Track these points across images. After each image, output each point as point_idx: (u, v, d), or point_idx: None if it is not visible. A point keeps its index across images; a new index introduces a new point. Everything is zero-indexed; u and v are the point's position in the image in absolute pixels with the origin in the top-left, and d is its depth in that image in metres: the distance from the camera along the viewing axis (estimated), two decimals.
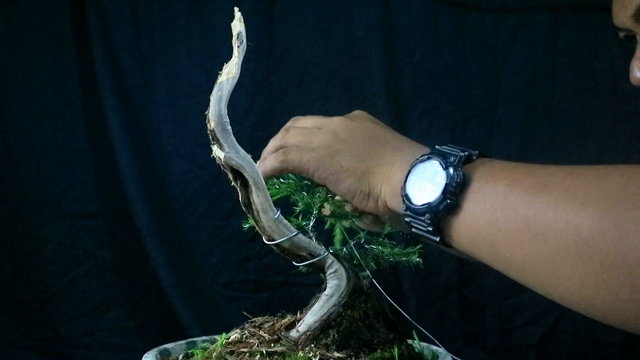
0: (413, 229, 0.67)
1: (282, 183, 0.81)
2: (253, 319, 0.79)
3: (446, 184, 0.63)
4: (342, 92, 1.76)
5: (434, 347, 0.81)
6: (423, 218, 0.64)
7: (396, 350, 0.73)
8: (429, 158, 0.66)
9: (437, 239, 0.65)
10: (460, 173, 0.63)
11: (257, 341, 0.74)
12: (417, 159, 0.67)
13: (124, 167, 1.75)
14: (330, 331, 0.73)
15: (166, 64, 1.77)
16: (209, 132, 0.70)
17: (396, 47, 1.76)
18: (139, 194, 1.75)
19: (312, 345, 0.72)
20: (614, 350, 1.74)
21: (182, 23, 1.77)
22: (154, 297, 1.78)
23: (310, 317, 0.74)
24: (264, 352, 0.71)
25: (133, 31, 1.76)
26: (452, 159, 0.64)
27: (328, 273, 0.75)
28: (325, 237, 0.80)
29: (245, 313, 0.81)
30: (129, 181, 1.76)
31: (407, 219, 0.66)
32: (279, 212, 0.74)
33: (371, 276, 0.79)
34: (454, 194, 0.62)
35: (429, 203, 0.63)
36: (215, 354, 0.73)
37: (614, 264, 0.52)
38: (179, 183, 1.78)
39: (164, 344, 0.81)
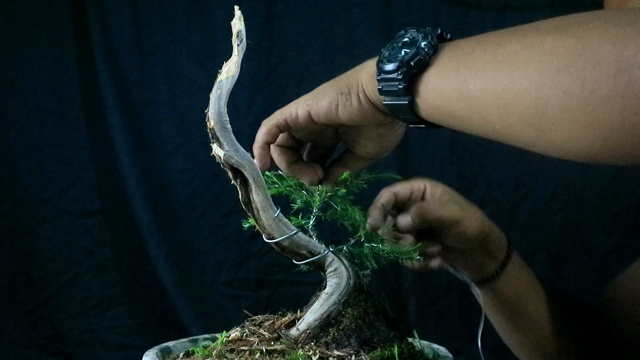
0: (384, 100, 0.69)
1: (281, 181, 0.81)
2: (253, 317, 0.79)
3: (419, 42, 0.66)
4: None
5: (435, 346, 0.81)
6: (395, 75, 0.66)
7: (396, 348, 0.73)
8: (405, 31, 0.69)
9: (407, 101, 0.67)
10: (435, 39, 0.66)
11: (257, 339, 0.74)
12: (395, 36, 0.70)
13: (124, 166, 1.75)
14: (330, 329, 0.73)
15: (166, 63, 1.77)
16: (208, 130, 0.70)
17: None
18: (140, 193, 1.76)
19: (312, 343, 0.72)
20: None
21: (182, 21, 1.77)
22: (154, 295, 1.78)
23: (310, 316, 0.74)
24: (264, 350, 0.71)
25: (133, 30, 1.76)
26: (427, 29, 0.68)
27: (328, 271, 0.75)
28: (326, 236, 0.80)
29: (245, 311, 0.81)
30: (129, 179, 1.76)
31: (379, 86, 0.68)
32: (278, 211, 0.74)
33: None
34: (426, 53, 0.65)
35: (401, 57, 0.66)
36: (215, 352, 0.73)
37: (570, 64, 0.54)
38: (179, 181, 1.78)
39: (165, 342, 0.81)
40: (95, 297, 1.79)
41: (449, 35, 0.68)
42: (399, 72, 0.66)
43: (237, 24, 0.69)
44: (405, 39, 0.68)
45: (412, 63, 0.65)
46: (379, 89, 0.68)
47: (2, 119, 1.76)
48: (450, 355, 0.78)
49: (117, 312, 1.80)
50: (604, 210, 1.74)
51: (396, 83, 0.66)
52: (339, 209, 0.81)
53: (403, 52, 0.66)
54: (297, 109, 0.76)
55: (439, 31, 0.68)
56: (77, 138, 1.78)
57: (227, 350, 0.73)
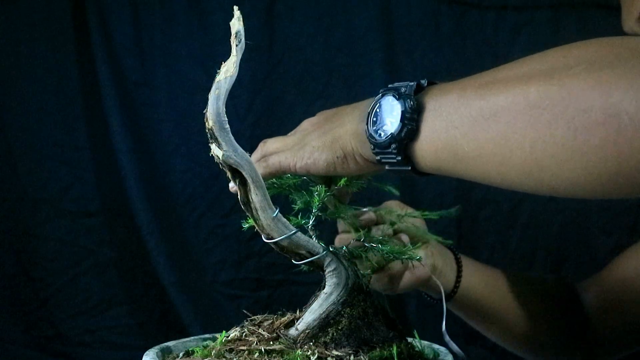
0: (386, 167, 0.70)
1: (281, 180, 0.81)
2: (253, 317, 0.79)
3: (402, 112, 0.66)
4: (343, 91, 1.76)
5: (435, 346, 0.81)
6: (390, 150, 0.67)
7: (395, 348, 0.73)
8: (382, 96, 0.70)
9: (409, 168, 0.68)
10: (414, 99, 0.67)
11: (256, 339, 0.74)
12: (373, 102, 0.71)
13: (125, 166, 1.75)
14: (329, 329, 0.73)
15: (166, 63, 1.77)
16: (207, 130, 0.70)
17: (396, 45, 1.76)
18: (140, 193, 1.76)
19: (311, 343, 0.72)
20: None
21: (182, 21, 1.77)
22: (154, 295, 1.78)
23: (309, 316, 0.74)
24: (263, 350, 0.71)
25: (133, 30, 1.76)
26: (403, 89, 0.69)
27: (327, 271, 0.75)
28: (326, 236, 0.80)
29: (245, 311, 0.81)
30: (129, 179, 1.76)
31: (377, 158, 0.70)
32: (277, 211, 0.74)
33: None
34: (411, 119, 0.66)
35: (391, 134, 0.67)
36: (214, 351, 0.73)
37: (559, 115, 0.54)
38: (179, 181, 1.78)
39: (165, 342, 0.81)
40: (95, 297, 1.79)
41: (425, 82, 0.69)
42: (392, 147, 0.67)
43: (236, 24, 0.69)
44: (384, 105, 0.69)
45: (402, 135, 0.66)
46: (377, 160, 0.70)
47: (2, 119, 1.76)
48: (450, 355, 0.78)
49: (117, 312, 1.80)
50: (604, 210, 1.74)
51: (393, 156, 0.68)
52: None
53: (389, 124, 0.67)
54: (295, 165, 0.78)
55: (415, 85, 0.68)
56: (77, 138, 1.78)
57: (226, 350, 0.73)
